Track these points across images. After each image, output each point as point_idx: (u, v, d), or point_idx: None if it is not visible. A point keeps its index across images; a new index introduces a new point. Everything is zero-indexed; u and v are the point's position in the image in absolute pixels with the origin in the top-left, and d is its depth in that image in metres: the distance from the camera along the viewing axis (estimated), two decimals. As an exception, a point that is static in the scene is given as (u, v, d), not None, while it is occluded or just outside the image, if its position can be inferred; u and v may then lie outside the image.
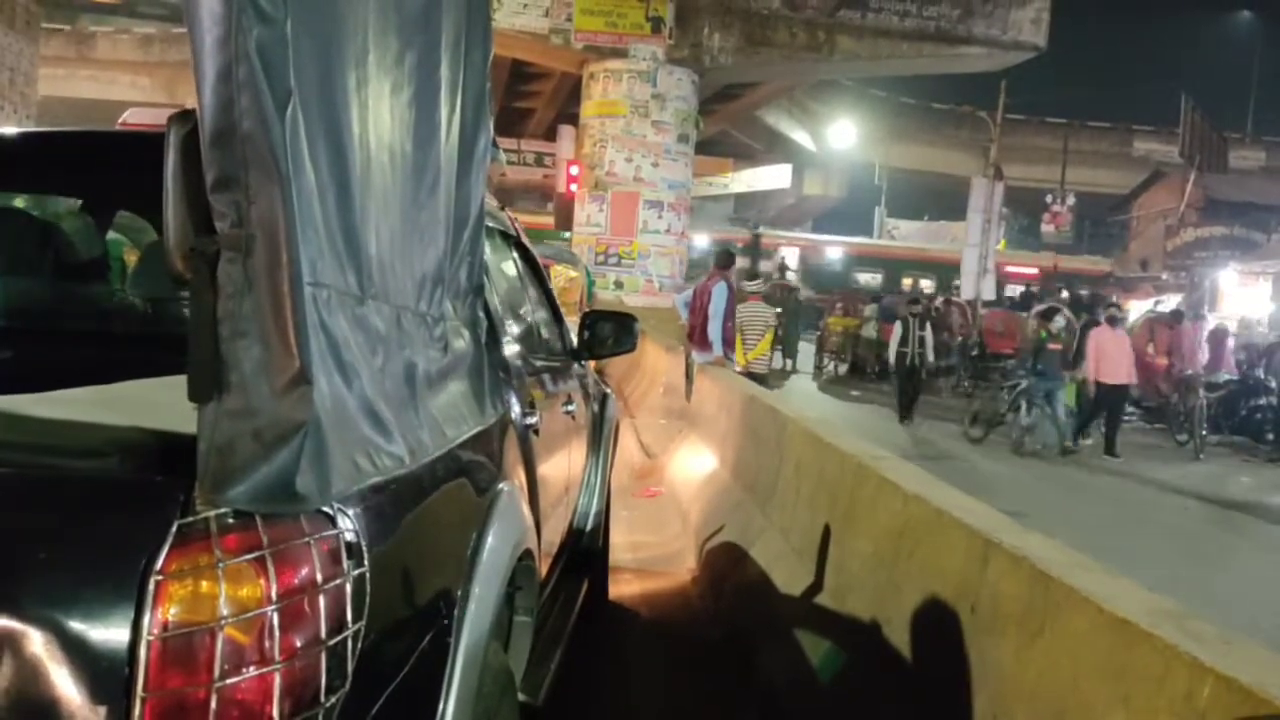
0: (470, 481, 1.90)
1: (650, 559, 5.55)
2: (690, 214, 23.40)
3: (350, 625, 1.23)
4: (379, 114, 1.45)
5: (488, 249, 2.38)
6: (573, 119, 24.03)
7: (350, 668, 1.23)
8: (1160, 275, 29.89)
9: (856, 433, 4.61)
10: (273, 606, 1.14)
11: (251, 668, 1.12)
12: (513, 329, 2.82)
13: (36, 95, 19.47)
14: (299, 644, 1.16)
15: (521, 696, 2.20)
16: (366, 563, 1.28)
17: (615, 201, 21.57)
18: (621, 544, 5.25)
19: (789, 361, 19.08)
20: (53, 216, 2.70)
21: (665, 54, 21.13)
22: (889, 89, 38.70)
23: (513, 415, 2.33)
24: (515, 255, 3.33)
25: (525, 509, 2.23)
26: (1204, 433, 12.13)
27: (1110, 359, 11.47)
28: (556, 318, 3.71)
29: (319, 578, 1.19)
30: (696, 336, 9.04)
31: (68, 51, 31.05)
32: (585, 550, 3.76)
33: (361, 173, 1.38)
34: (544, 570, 2.72)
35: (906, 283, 31.85)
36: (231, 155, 1.08)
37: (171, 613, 1.09)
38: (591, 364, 4.14)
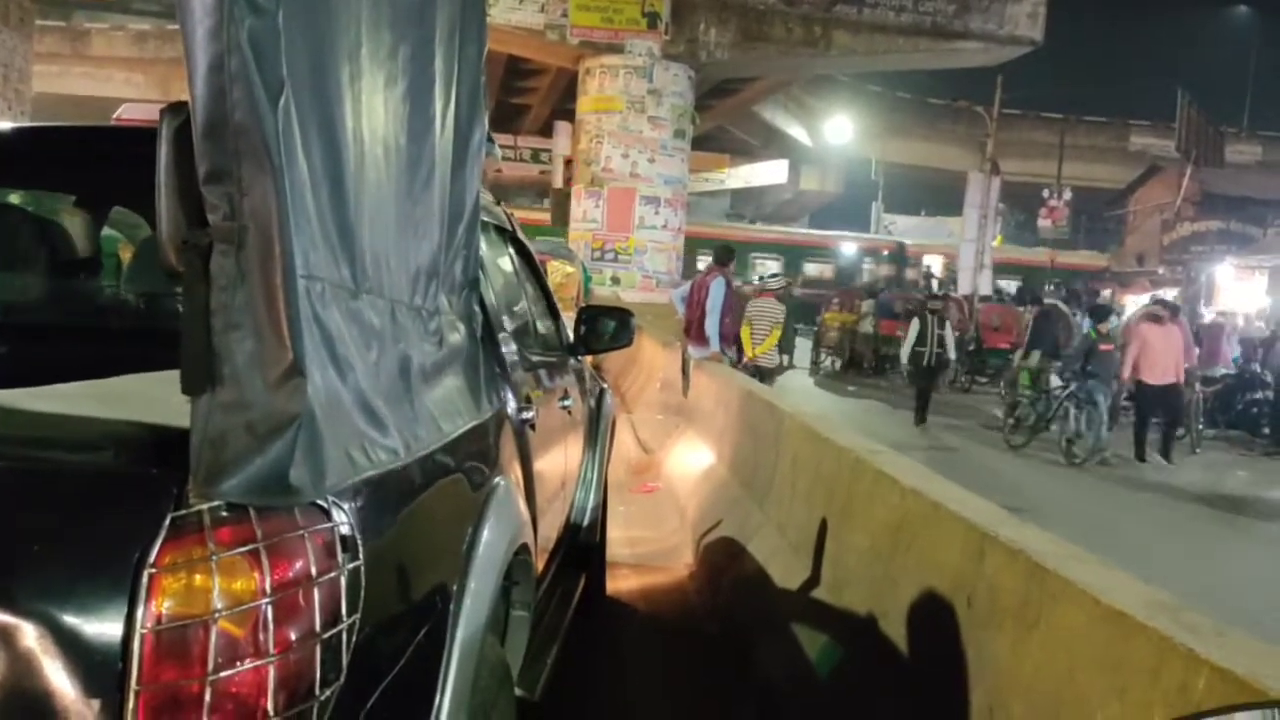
0: (466, 476, 1.90)
1: (648, 554, 5.55)
2: (687, 210, 23.39)
3: (345, 618, 1.23)
4: (373, 107, 1.45)
5: (483, 244, 2.38)
6: (569, 115, 23.99)
7: (345, 661, 1.23)
8: (1157, 270, 29.92)
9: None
10: (267, 600, 1.14)
11: (246, 661, 1.12)
12: (509, 324, 2.81)
13: (31, 92, 19.44)
14: (293, 637, 1.16)
15: (518, 691, 2.20)
16: (361, 556, 1.28)
17: (611, 197, 21.54)
18: (619, 539, 5.26)
19: (785, 357, 19.08)
20: (47, 212, 2.70)
21: (661, 49, 21.09)
22: (885, 84, 38.66)
23: (509, 410, 2.33)
24: (511, 250, 3.33)
25: (521, 503, 2.23)
26: (1200, 427, 12.15)
27: (1156, 357, 10.70)
28: (553, 313, 3.71)
29: (313, 571, 1.19)
30: (694, 332, 9.04)
31: (62, 48, 30.95)
32: (582, 545, 3.77)
33: (355, 166, 1.37)
34: (541, 565, 2.72)
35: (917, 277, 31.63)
36: (224, 147, 1.07)
37: (165, 606, 1.09)
38: (588, 359, 4.13)
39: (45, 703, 1.07)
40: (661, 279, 21.37)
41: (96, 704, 1.07)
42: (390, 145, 1.54)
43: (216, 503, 1.12)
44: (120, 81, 30.97)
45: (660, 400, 9.80)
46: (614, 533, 4.83)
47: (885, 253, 31.62)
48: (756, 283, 12.03)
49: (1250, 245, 26.75)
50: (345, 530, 1.26)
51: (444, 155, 1.82)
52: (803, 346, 20.07)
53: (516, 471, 2.31)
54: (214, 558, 1.11)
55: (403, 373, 1.55)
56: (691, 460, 7.04)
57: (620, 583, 4.83)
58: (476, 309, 2.11)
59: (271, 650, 1.13)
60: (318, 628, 1.19)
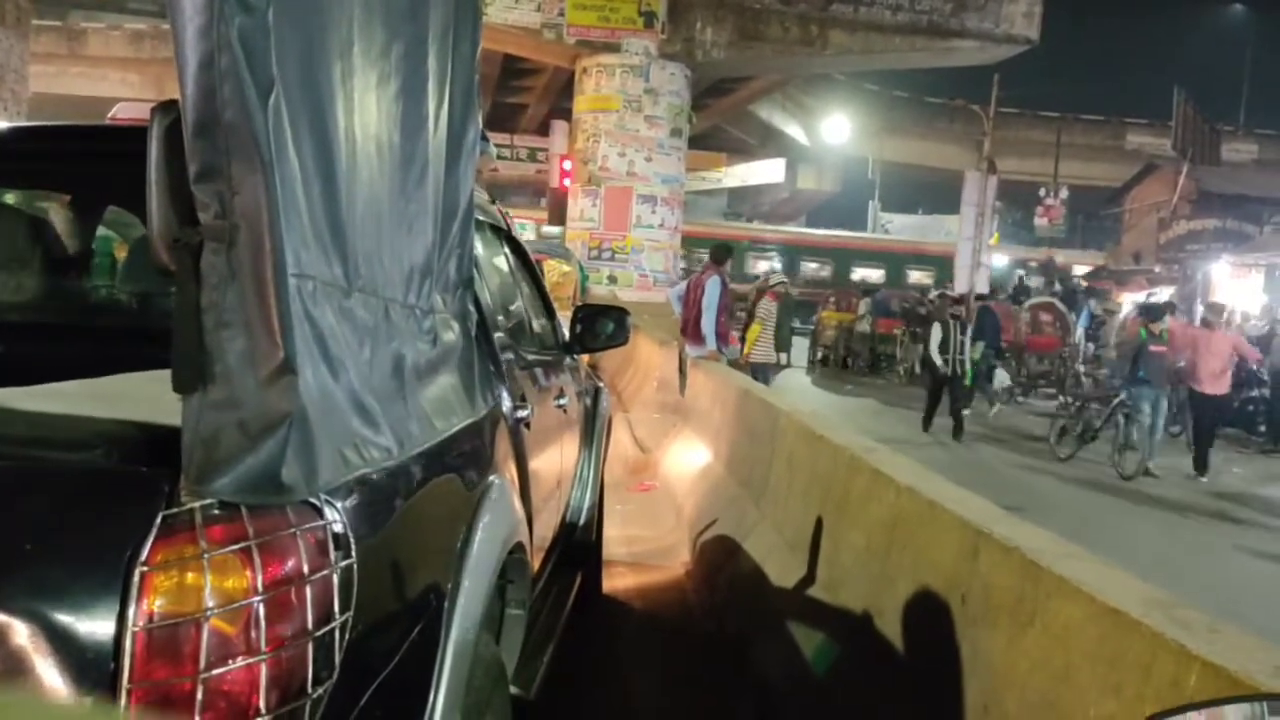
0: (460, 474, 1.90)
1: (644, 553, 5.55)
2: (684, 209, 23.39)
3: (337, 616, 1.23)
4: (365, 105, 1.45)
5: (478, 243, 2.38)
6: (565, 114, 23.99)
7: (338, 659, 1.23)
8: (1153, 268, 29.93)
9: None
10: (259, 597, 1.13)
11: (238, 659, 1.12)
12: (504, 322, 2.81)
13: (27, 92, 19.38)
14: (285, 635, 1.16)
15: (514, 689, 2.20)
16: (354, 554, 1.27)
17: (608, 196, 21.53)
18: (616, 538, 5.26)
19: (782, 356, 19.06)
20: (42, 211, 2.69)
21: (658, 48, 21.08)
22: (882, 83, 38.67)
23: (504, 408, 2.32)
24: (507, 249, 3.33)
25: (516, 502, 2.23)
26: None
27: (1212, 363, 10.25)
28: (549, 312, 3.70)
29: (305, 569, 1.19)
30: (690, 330, 9.04)
31: (58, 48, 30.90)
32: (578, 544, 3.76)
33: (347, 164, 1.37)
34: (536, 564, 2.72)
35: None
36: (214, 145, 1.07)
37: (157, 604, 1.09)
38: (584, 358, 4.13)
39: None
40: (658, 278, 21.37)
41: (88, 702, 1.07)
42: (383, 143, 1.54)
43: (208, 501, 1.12)
44: (116, 81, 30.90)
45: (657, 399, 9.80)
46: (611, 531, 4.83)
47: (1035, 264, 31.28)
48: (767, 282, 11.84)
49: (1246, 243, 26.76)
50: (338, 528, 1.26)
51: (437, 153, 1.81)
52: (799, 345, 20.09)
53: (511, 470, 2.31)
54: (206, 556, 1.11)
55: (396, 371, 1.55)
56: (688, 459, 7.04)
57: (617, 581, 4.83)
58: (471, 308, 2.10)
59: (263, 648, 1.13)
60: (310, 626, 1.18)
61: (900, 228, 41.16)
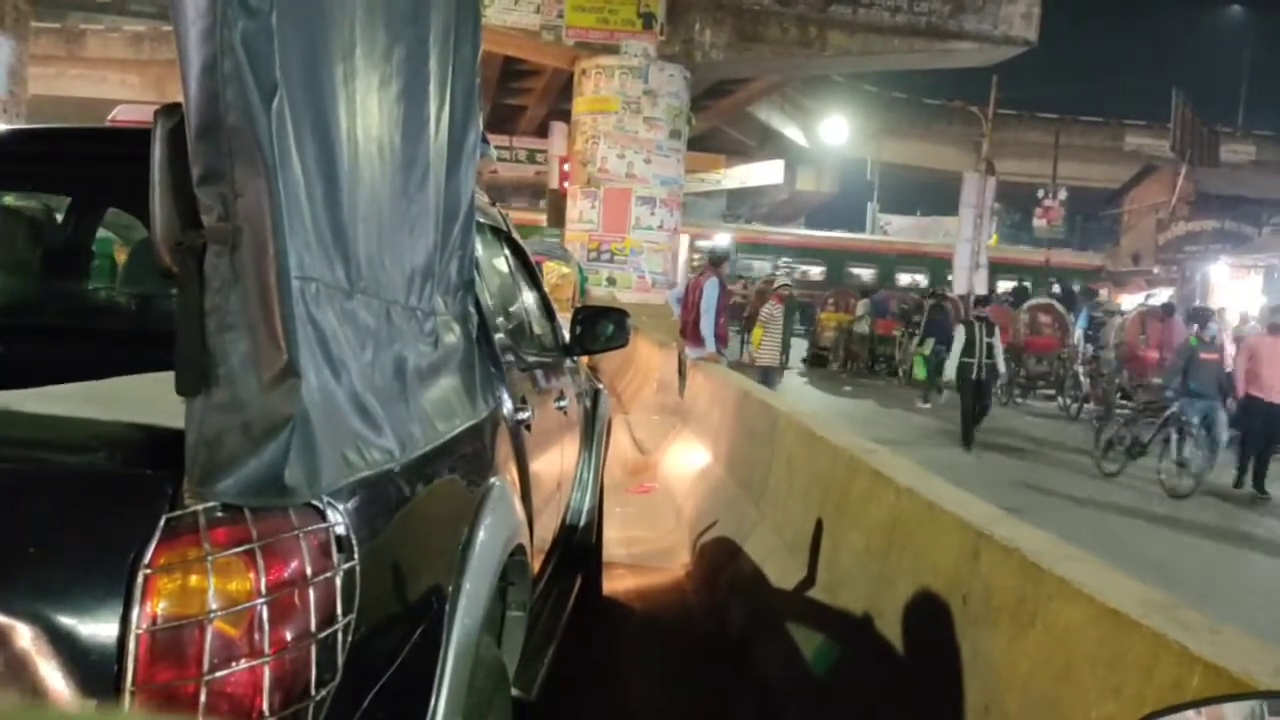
0: (461, 476, 1.90)
1: (644, 554, 5.55)
2: (683, 210, 23.38)
3: (340, 618, 1.23)
4: (367, 108, 1.45)
5: (479, 245, 2.38)
6: (564, 115, 23.97)
7: (340, 661, 1.23)
8: (1152, 269, 29.96)
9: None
10: (262, 600, 1.14)
11: (241, 661, 1.12)
12: (504, 324, 2.81)
13: (27, 94, 19.38)
14: (288, 637, 1.16)
15: (515, 691, 2.20)
16: (356, 556, 1.28)
17: (607, 198, 21.52)
18: (616, 539, 5.26)
19: (781, 357, 19.06)
20: (42, 214, 2.69)
21: (657, 50, 21.08)
22: (881, 84, 38.70)
23: (504, 410, 2.33)
24: (507, 251, 3.33)
25: (517, 504, 2.23)
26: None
27: (1270, 371, 9.68)
28: (549, 313, 3.71)
29: (308, 571, 1.19)
30: (689, 332, 9.05)
31: (58, 50, 30.87)
32: (579, 546, 3.76)
33: (349, 166, 1.38)
34: (537, 566, 2.72)
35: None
36: (217, 148, 1.08)
37: (160, 606, 1.09)
38: (584, 360, 4.14)
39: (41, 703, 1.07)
40: (658, 279, 21.37)
41: (92, 704, 1.07)
42: (384, 146, 1.54)
43: (211, 503, 1.13)
44: (115, 83, 30.91)
45: (657, 401, 9.80)
46: (611, 533, 4.83)
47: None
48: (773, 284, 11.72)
49: (1245, 244, 26.78)
50: (340, 530, 1.26)
51: (439, 156, 1.82)
52: (798, 346, 20.10)
53: (512, 472, 2.31)
54: (209, 558, 1.11)
55: (398, 373, 1.56)
56: (688, 460, 7.04)
57: (617, 583, 4.83)
58: (472, 310, 2.11)
59: (266, 650, 1.14)
60: (313, 628, 1.19)
61: (899, 229, 41.16)
